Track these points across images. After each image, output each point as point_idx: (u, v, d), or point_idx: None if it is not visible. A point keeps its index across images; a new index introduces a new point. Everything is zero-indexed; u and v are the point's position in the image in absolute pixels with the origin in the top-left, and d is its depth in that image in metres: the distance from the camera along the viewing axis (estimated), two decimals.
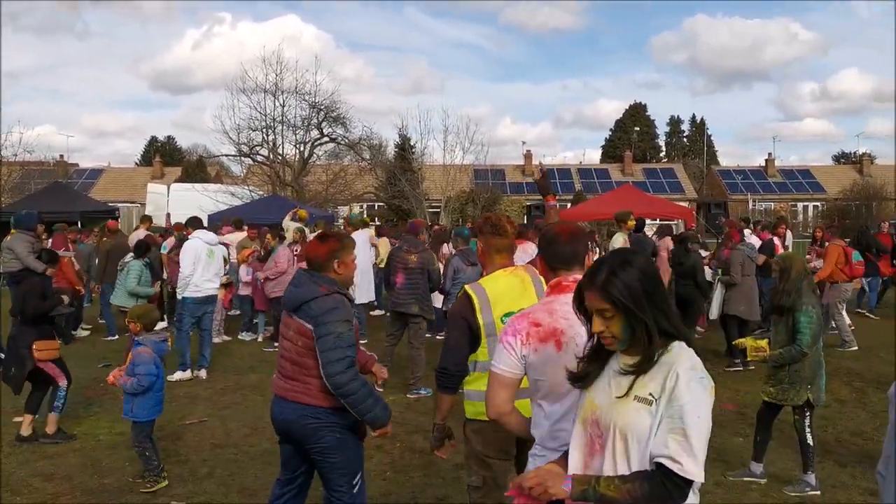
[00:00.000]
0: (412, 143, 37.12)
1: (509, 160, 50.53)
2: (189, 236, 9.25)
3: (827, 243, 10.75)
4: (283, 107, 26.73)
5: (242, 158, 27.49)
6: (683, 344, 2.19)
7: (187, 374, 8.74)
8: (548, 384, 2.63)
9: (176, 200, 28.97)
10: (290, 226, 12.51)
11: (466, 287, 3.74)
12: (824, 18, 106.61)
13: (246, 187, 26.23)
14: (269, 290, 10.05)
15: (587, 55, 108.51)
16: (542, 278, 3.80)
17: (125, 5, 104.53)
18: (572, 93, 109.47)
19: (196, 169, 43.23)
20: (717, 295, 9.17)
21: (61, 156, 50.65)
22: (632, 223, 9.67)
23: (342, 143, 27.25)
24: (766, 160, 49.79)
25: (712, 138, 72.78)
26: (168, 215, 26.35)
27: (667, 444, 2.04)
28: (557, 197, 5.76)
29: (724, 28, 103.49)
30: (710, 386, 2.16)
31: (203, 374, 8.85)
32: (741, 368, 9.14)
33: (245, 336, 11.28)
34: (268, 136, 26.40)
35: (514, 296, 3.62)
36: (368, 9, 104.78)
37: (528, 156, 49.20)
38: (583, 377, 2.29)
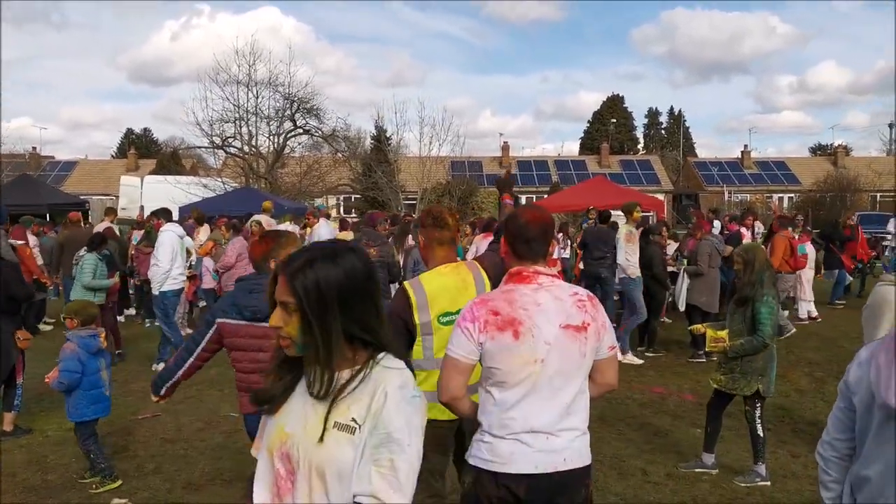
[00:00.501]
0: (388, 135, 37.08)
1: (489, 152, 50.63)
2: (160, 229, 9.04)
3: (775, 234, 10.74)
4: (258, 98, 26.51)
5: (216, 150, 27.19)
6: (395, 358, 1.87)
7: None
8: (501, 373, 2.64)
9: (149, 193, 28.69)
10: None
11: (406, 284, 3.72)
12: (803, 12, 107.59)
13: (219, 179, 25.97)
14: (223, 283, 9.96)
15: (568, 47, 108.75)
16: (485, 277, 3.77)
17: None
18: (553, 85, 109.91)
19: (170, 161, 42.74)
20: (682, 285, 9.17)
21: (34, 148, 50.01)
22: (638, 214, 9.54)
23: (315, 134, 27.01)
24: (742, 152, 50.11)
25: (690, 130, 73.41)
26: (142, 208, 26.10)
27: (370, 478, 1.72)
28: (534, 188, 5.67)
29: (703, 20, 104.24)
30: (424, 405, 1.85)
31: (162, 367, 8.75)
32: (704, 360, 9.14)
33: None
34: (241, 127, 26.12)
35: (454, 295, 3.60)
36: (351, 2, 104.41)
37: (505, 148, 49.19)
38: (267, 398, 1.89)
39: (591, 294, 2.85)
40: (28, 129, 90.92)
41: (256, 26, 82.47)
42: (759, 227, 14.51)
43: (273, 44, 54.63)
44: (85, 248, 8.85)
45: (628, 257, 8.98)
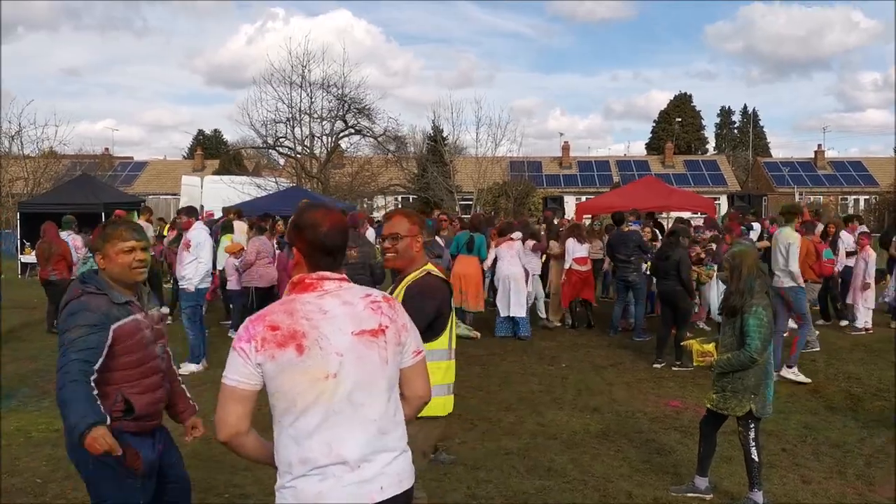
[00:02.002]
0: (444, 135, 36.93)
1: (551, 152, 49.90)
2: (191, 227, 9.00)
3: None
4: (311, 99, 26.69)
5: (269, 151, 27.50)
6: None
7: (200, 366, 8.66)
8: (289, 396, 2.26)
9: (208, 192, 29.33)
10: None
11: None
12: (887, 5, 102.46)
13: (271, 179, 26.27)
14: (243, 280, 9.95)
15: (638, 45, 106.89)
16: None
17: (182, 3, 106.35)
18: (622, 83, 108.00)
19: (232, 162, 43.62)
20: (716, 292, 8.61)
21: (106, 149, 51.78)
22: (800, 218, 9.00)
23: (367, 134, 27.02)
24: (816, 151, 48.10)
25: (764, 129, 70.92)
26: (201, 207, 26.70)
27: None
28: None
29: (781, 15, 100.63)
30: None
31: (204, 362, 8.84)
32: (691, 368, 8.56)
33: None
34: (293, 127, 26.34)
35: None
36: (419, 1, 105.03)
37: (565, 148, 48.46)
38: None
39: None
40: (105, 130, 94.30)
41: (330, 28, 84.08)
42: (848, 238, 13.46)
43: (342, 45, 55.20)
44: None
45: (790, 264, 8.35)
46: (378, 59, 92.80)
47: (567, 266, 11.36)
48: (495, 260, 10.76)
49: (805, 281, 9.66)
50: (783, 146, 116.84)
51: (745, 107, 69.33)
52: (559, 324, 11.63)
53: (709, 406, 4.99)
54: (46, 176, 29.27)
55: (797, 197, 43.01)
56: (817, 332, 10.80)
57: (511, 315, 10.57)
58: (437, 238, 10.90)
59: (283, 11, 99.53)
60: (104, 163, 49.56)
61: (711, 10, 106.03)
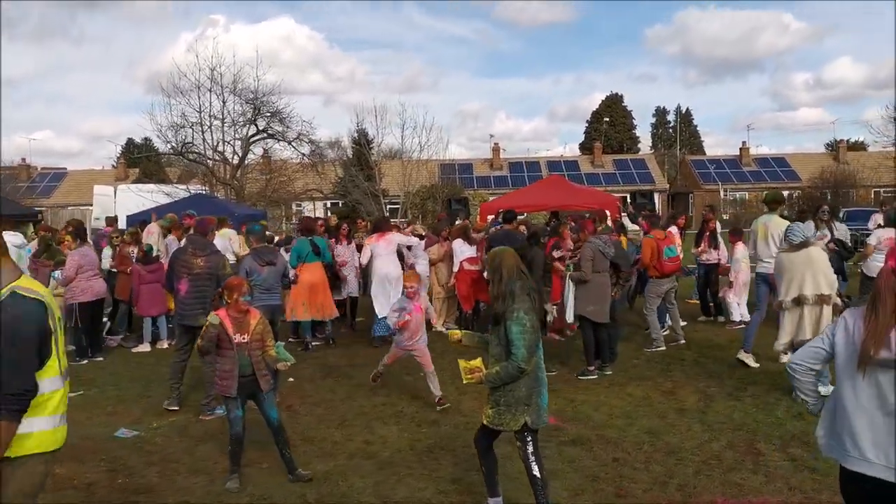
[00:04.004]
0: (370, 139, 36.32)
1: (507, 156, 49.73)
2: None
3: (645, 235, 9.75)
4: (223, 102, 25.84)
5: (175, 157, 26.60)
6: None
7: None
8: None
9: (121, 202, 28.35)
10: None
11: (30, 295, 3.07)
12: (816, 8, 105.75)
13: (179, 187, 25.42)
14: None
15: (581, 49, 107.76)
16: None
17: (119, 9, 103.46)
18: (566, 87, 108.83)
19: (156, 169, 42.39)
20: (569, 294, 8.24)
21: (23, 159, 49.92)
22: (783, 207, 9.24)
23: (280, 138, 26.28)
24: (741, 148, 48.85)
25: (698, 128, 72.10)
26: (116, 217, 25.77)
27: None
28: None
29: (715, 20, 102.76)
30: None
31: None
32: (595, 376, 8.23)
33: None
34: (202, 132, 25.48)
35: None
36: (364, 8, 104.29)
37: (495, 149, 48.34)
38: None
39: None
40: (51, 141, 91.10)
41: (271, 35, 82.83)
42: (718, 227, 13.48)
43: (286, 52, 54.22)
44: None
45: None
46: (321, 65, 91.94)
47: (456, 269, 10.95)
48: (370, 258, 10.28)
49: (650, 277, 9.50)
50: (720, 145, 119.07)
51: (679, 107, 70.40)
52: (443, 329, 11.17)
53: (485, 422, 4.55)
54: None
55: (721, 193, 43.65)
56: (684, 323, 10.67)
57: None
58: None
59: (224, 18, 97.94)
60: (22, 173, 47.79)
61: (649, 13, 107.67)
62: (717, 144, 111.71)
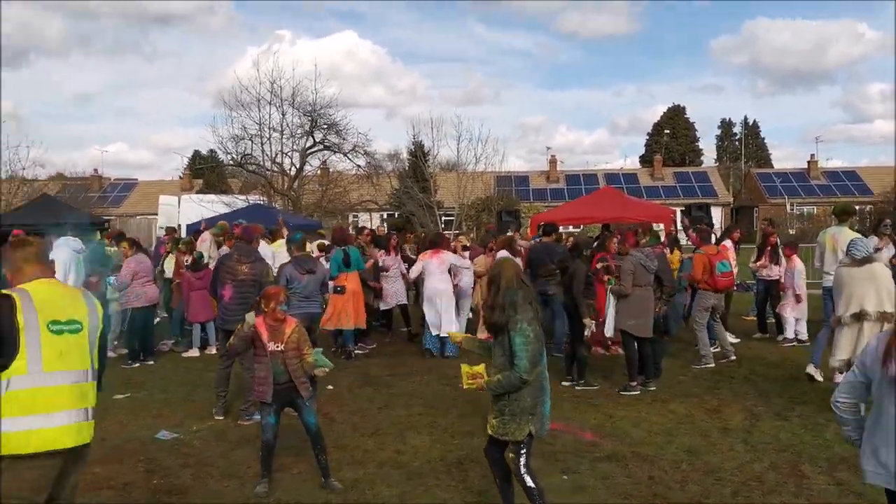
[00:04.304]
0: (425, 151, 36.52)
1: (564, 168, 49.47)
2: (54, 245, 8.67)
3: (698, 249, 9.49)
4: (283, 115, 26.39)
5: (235, 168, 27.25)
6: None
7: None
8: None
9: (185, 212, 29.26)
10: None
11: (4, 291, 3.25)
12: (891, 17, 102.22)
13: (238, 197, 26.05)
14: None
15: (643, 60, 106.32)
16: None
17: (190, 25, 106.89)
18: (627, 98, 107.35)
19: (217, 180, 43.52)
20: (610, 308, 8.09)
21: (95, 170, 51.79)
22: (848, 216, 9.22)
23: (335, 150, 26.64)
24: (809, 161, 47.37)
25: (765, 141, 70.35)
26: (179, 226, 26.64)
27: None
28: None
29: (785, 29, 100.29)
30: None
31: None
32: (637, 392, 8.05)
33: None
34: (261, 144, 26.08)
35: (64, 304, 3.30)
36: (426, 22, 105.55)
37: (552, 161, 48.05)
38: None
39: None
40: (123, 153, 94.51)
41: (335, 50, 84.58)
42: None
43: (349, 66, 55.27)
44: None
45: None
46: (383, 79, 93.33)
47: None
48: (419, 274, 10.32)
49: (698, 291, 9.26)
50: (789, 158, 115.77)
51: (746, 118, 68.86)
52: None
53: (490, 433, 4.54)
54: (20, 198, 28.99)
55: (788, 207, 42.38)
56: (738, 340, 10.36)
57: (441, 334, 10.05)
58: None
59: (290, 34, 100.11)
60: (94, 184, 49.66)
61: (716, 24, 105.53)
62: (786, 157, 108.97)
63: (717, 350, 9.71)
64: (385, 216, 41.20)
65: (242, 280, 7.21)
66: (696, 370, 9.08)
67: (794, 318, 10.49)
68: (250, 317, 5.31)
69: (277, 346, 5.27)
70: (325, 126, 26.29)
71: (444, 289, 10.07)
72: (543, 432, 4.48)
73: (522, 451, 4.39)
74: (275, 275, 7.42)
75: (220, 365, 7.40)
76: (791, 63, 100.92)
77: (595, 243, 10.45)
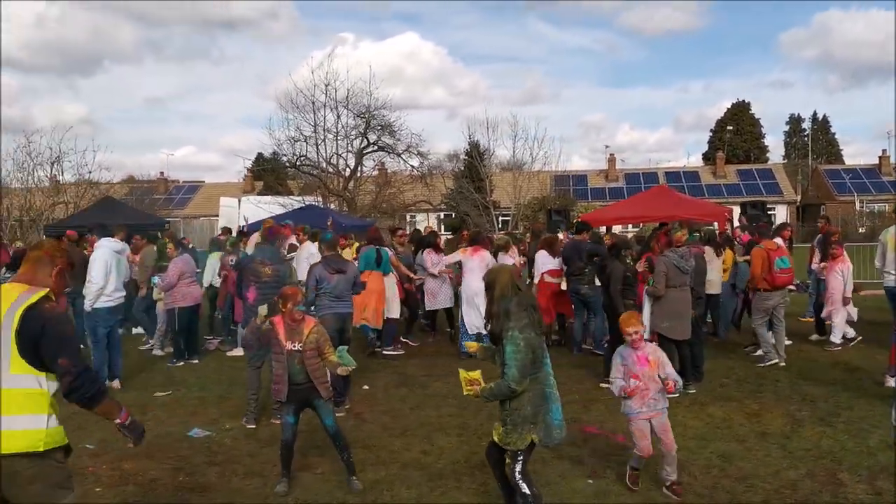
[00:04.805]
0: (481, 151, 36.44)
1: (624, 167, 48.85)
2: (94, 245, 8.91)
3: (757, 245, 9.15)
4: (337, 116, 26.73)
5: (291, 169, 27.70)
6: None
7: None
8: None
9: (245, 213, 29.91)
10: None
11: None
12: None
13: (294, 198, 26.50)
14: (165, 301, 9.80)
15: (708, 56, 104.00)
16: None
17: (256, 29, 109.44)
18: (693, 95, 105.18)
19: (274, 182, 44.29)
20: (645, 309, 7.89)
21: (161, 173, 53.43)
22: None
23: (389, 151, 26.82)
24: (880, 157, 45.54)
25: (836, 137, 67.91)
26: (240, 227, 27.28)
27: None
28: None
29: (858, 21, 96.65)
30: None
31: (116, 383, 8.63)
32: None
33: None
34: (316, 145, 26.47)
35: None
36: (487, 22, 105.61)
37: (611, 160, 47.36)
38: None
39: None
40: (192, 156, 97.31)
41: (397, 52, 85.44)
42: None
43: (410, 67, 55.83)
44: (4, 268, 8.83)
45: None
46: (444, 80, 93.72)
47: (537, 280, 10.79)
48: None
49: (757, 290, 8.94)
50: (863, 154, 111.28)
51: (815, 114, 66.61)
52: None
53: (495, 439, 4.50)
54: (86, 200, 30.07)
55: (857, 205, 40.83)
56: (789, 342, 9.99)
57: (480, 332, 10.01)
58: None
59: (353, 36, 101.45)
60: (160, 187, 51.24)
61: (785, 17, 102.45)
62: (859, 153, 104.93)
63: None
64: (442, 216, 41.34)
65: (266, 282, 7.28)
66: (742, 370, 8.80)
67: (843, 321, 10.04)
68: (262, 309, 5.37)
69: (295, 346, 5.31)
70: (380, 127, 26.53)
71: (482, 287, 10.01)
72: (551, 440, 4.39)
73: (520, 458, 4.36)
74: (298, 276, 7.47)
75: (249, 366, 7.42)
76: (864, 55, 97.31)
77: (634, 243, 10.24)
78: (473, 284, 10.01)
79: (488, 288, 4.49)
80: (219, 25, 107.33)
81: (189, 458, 6.14)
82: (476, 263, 10.09)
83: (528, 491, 4.31)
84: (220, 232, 18.47)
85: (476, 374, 4.46)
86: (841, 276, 9.87)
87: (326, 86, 26.40)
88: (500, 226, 34.51)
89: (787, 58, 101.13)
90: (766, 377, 8.56)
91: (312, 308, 7.31)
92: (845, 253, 10.31)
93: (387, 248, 10.23)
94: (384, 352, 10.26)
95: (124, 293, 8.95)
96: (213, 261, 11.46)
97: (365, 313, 9.50)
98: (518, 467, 4.34)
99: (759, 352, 9.29)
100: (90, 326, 8.57)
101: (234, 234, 17.92)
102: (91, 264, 8.58)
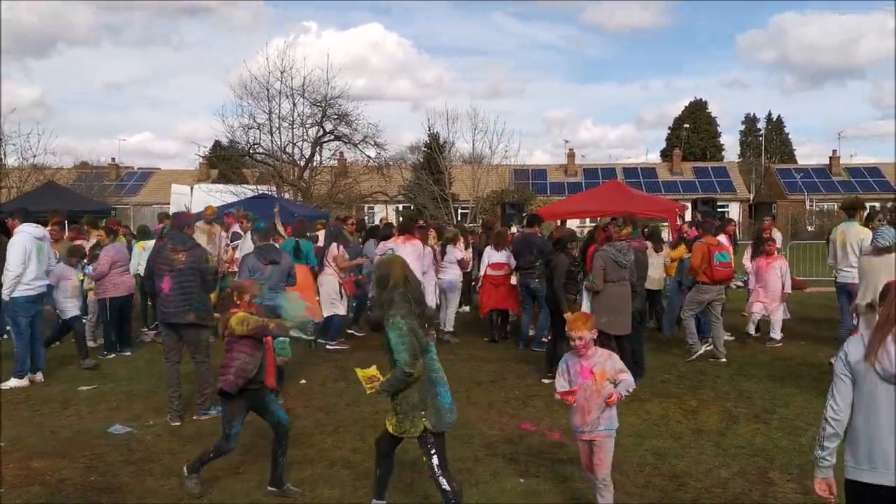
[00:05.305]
0: (441, 143, 36.25)
1: (583, 162, 48.93)
2: (14, 229, 8.44)
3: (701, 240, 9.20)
4: (294, 105, 26.30)
5: (243, 157, 27.24)
6: None
7: (24, 381, 8.06)
8: None
9: (197, 200, 29.32)
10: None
11: None
12: None
13: (246, 187, 26.03)
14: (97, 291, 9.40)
15: (670, 54, 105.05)
16: None
17: (218, 16, 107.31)
18: (654, 93, 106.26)
19: (228, 170, 43.57)
20: (584, 304, 7.79)
21: (112, 159, 52.18)
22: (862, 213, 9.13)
23: (345, 141, 26.47)
24: (831, 157, 46.50)
25: (790, 137, 69.16)
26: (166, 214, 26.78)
27: None
28: None
29: (814, 24, 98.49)
30: None
31: (39, 376, 8.28)
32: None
33: None
34: (270, 133, 26.02)
35: None
36: (453, 14, 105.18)
37: (570, 155, 47.57)
38: None
39: None
40: (149, 143, 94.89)
41: (361, 42, 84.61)
42: (779, 236, 12.64)
43: (375, 58, 55.12)
44: None
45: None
46: (409, 71, 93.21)
47: (482, 273, 10.68)
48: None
49: (696, 283, 8.97)
50: (817, 154, 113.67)
51: (770, 114, 67.75)
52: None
53: (390, 430, 4.44)
54: (30, 185, 29.15)
55: (808, 204, 41.62)
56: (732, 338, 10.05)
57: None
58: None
59: (316, 25, 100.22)
60: (111, 173, 50.03)
61: (743, 18, 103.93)
62: (813, 154, 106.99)
63: (710, 348, 9.38)
64: (401, 208, 41.04)
65: (180, 269, 6.81)
66: (681, 369, 8.75)
67: (781, 318, 10.14)
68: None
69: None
70: (336, 116, 26.15)
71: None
72: (444, 425, 4.34)
73: (432, 452, 4.27)
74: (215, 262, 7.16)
75: (167, 361, 6.99)
76: (819, 59, 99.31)
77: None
78: (449, 277, 9.88)
79: (380, 278, 4.41)
80: (179, 11, 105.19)
81: (105, 456, 5.85)
82: (409, 252, 9.86)
83: (447, 487, 4.23)
84: (158, 220, 17.98)
85: (373, 370, 4.41)
86: (779, 272, 9.96)
87: (282, 73, 26.00)
88: (458, 218, 34.41)
89: (746, 59, 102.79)
90: (706, 373, 8.55)
91: None
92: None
93: (309, 241, 9.99)
94: (327, 346, 10.02)
95: (46, 282, 8.49)
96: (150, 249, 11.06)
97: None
98: (435, 461, 4.26)
99: (705, 348, 9.29)
100: (11, 316, 8.17)
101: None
102: (8, 250, 8.16)
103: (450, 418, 4.37)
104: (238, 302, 5.13)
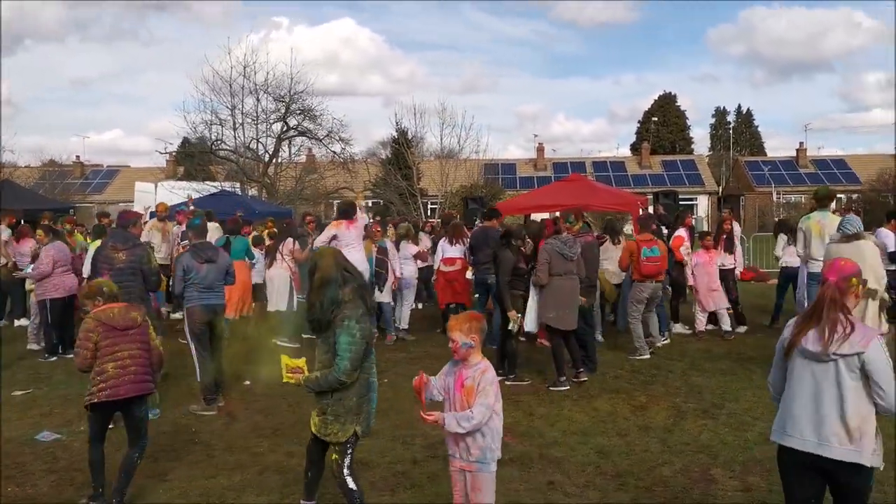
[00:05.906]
0: (409, 137, 36.01)
1: (553, 156, 48.82)
2: None
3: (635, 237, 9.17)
4: (257, 101, 25.93)
5: (205, 154, 26.84)
6: None
7: None
8: None
9: (161, 198, 28.88)
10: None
11: None
12: (889, 6, 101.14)
13: (209, 184, 25.64)
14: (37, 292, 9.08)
15: (641, 49, 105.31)
16: None
17: (187, 11, 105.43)
18: (625, 88, 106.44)
19: (193, 167, 43.01)
20: (531, 300, 7.65)
21: (77, 157, 51.27)
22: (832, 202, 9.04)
23: (310, 136, 26.16)
24: (797, 150, 46.89)
25: (759, 130, 69.69)
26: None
27: None
28: None
29: (782, 18, 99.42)
30: None
31: None
32: (566, 387, 7.61)
33: None
34: (234, 129, 25.63)
35: None
36: (425, 10, 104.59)
37: (539, 149, 47.53)
38: None
39: None
40: (119, 140, 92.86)
41: (333, 37, 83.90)
42: (738, 229, 12.58)
43: (346, 53, 54.53)
44: None
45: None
46: (381, 67, 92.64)
47: (436, 267, 10.54)
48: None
49: (633, 281, 8.91)
50: (786, 147, 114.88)
51: (739, 107, 68.24)
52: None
53: (312, 430, 4.27)
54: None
55: (775, 196, 41.94)
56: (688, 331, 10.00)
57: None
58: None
59: (287, 21, 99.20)
60: (76, 171, 49.11)
61: (713, 12, 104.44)
62: (782, 147, 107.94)
63: (667, 342, 9.33)
64: (370, 203, 40.75)
65: (121, 269, 6.60)
66: (635, 363, 8.66)
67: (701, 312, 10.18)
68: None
69: None
70: (300, 112, 25.83)
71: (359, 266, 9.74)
72: (368, 431, 4.27)
73: (348, 452, 4.16)
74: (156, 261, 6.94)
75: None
76: (788, 52, 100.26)
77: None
78: (351, 257, 9.62)
79: (310, 272, 4.20)
80: (147, 6, 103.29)
81: (27, 465, 5.60)
82: (354, 236, 9.59)
83: (353, 487, 4.15)
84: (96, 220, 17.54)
85: (301, 361, 4.20)
86: (716, 266, 10.07)
87: (245, 67, 25.65)
88: (427, 214, 34.23)
89: (716, 53, 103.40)
90: (660, 368, 8.46)
91: (182, 301, 6.82)
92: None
93: (245, 237, 9.81)
94: (279, 343, 9.80)
95: None
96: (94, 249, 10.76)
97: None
98: (347, 461, 4.15)
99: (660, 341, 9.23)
100: None
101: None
102: None
103: (373, 423, 4.34)
104: (90, 309, 4.87)
